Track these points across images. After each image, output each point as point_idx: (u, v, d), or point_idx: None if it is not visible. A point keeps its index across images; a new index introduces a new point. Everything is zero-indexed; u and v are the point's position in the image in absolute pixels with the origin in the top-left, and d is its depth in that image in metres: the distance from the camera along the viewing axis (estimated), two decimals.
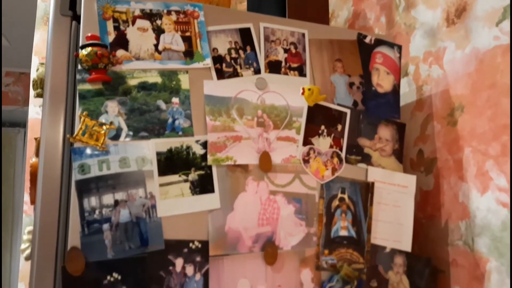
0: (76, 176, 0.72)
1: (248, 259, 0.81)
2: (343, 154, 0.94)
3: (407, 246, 0.95)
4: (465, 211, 0.97)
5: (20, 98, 3.65)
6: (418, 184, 1.11)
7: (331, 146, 0.93)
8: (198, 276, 0.77)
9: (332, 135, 0.93)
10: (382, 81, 1.01)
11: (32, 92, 1.58)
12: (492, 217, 0.90)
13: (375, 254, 0.92)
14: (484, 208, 0.92)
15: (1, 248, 3.33)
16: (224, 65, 0.87)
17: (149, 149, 0.78)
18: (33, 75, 1.47)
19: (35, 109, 1.66)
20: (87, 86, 0.76)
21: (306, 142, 0.91)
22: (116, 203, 0.74)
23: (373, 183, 0.94)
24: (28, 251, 0.76)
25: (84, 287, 0.69)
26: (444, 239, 1.04)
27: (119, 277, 0.71)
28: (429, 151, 1.11)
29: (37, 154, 0.78)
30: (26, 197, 1.61)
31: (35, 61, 1.66)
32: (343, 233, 0.90)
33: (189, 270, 0.76)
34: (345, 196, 0.92)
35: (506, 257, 0.86)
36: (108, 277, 0.71)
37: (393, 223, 0.95)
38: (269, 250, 0.82)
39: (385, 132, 0.99)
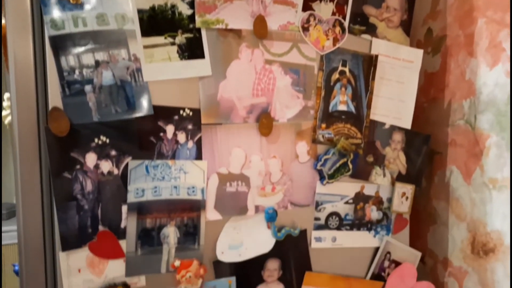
0: (49, 31, 0.65)
1: (243, 129, 0.78)
2: (346, 23, 0.85)
3: (407, 123, 0.92)
4: (471, 88, 0.92)
5: None
6: (423, 66, 1.04)
7: (333, 13, 0.84)
8: (190, 144, 0.74)
9: (335, 0, 0.84)
10: None
11: None
12: (498, 92, 0.85)
13: (373, 130, 0.89)
14: (491, 83, 0.87)
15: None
16: None
17: (128, 5, 0.69)
18: None
19: None
20: None
21: (306, 7, 0.82)
22: (97, 63, 0.68)
23: (376, 56, 0.87)
24: (10, 118, 0.72)
25: (70, 148, 0.66)
26: (444, 120, 1.00)
27: (107, 140, 0.68)
28: (439, 29, 1.02)
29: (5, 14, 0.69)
30: None
31: None
32: (342, 107, 0.86)
33: (181, 137, 0.74)
34: (346, 69, 0.86)
35: (508, 131, 0.83)
36: (96, 140, 0.68)
37: (394, 100, 0.90)
38: (264, 121, 0.79)
39: (393, 0, 0.89)
